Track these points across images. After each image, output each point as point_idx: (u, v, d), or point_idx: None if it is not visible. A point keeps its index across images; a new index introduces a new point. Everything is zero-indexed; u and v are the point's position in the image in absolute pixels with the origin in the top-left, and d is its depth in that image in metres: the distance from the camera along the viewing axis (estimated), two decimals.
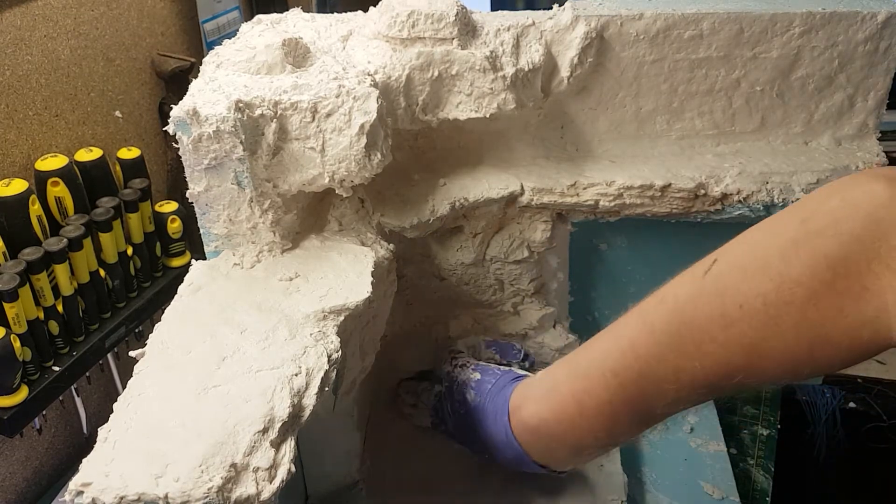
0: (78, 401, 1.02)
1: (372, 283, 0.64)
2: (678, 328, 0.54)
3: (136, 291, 1.02)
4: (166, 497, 0.47)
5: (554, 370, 0.65)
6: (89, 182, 0.94)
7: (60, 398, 0.94)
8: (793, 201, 0.75)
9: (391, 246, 0.71)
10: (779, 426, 1.00)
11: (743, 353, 0.51)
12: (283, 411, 0.52)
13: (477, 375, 0.74)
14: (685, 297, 0.54)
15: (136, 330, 1.02)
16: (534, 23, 0.74)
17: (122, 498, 0.47)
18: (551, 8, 0.76)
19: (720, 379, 0.53)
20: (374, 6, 0.74)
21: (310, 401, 0.54)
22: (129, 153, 1.00)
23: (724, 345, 0.51)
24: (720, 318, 0.51)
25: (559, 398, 0.62)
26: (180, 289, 0.64)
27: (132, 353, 0.59)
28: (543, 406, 0.64)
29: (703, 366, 0.53)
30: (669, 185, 0.75)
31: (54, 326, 0.89)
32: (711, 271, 0.53)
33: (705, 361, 0.52)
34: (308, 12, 0.80)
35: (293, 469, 0.51)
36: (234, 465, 0.49)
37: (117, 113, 1.06)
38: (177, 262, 1.06)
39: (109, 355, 1.01)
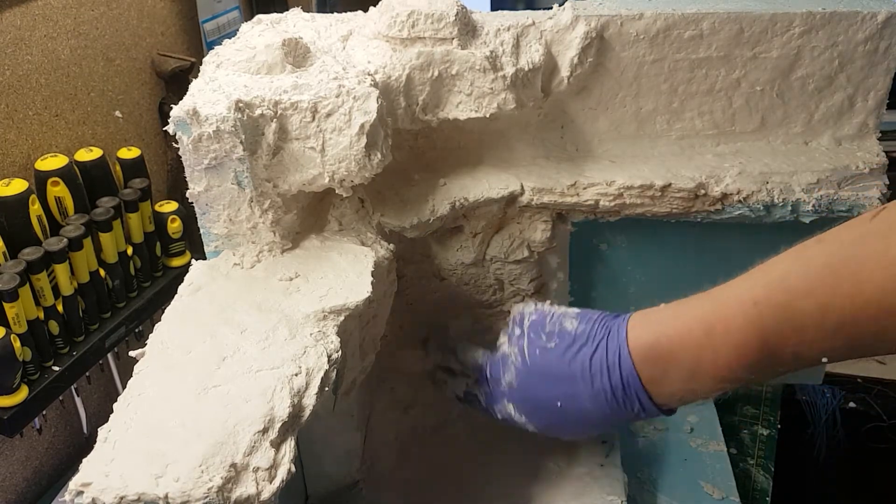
0: (78, 401, 1.02)
1: (372, 283, 0.64)
2: (837, 264, 0.52)
3: (136, 291, 1.02)
4: (166, 497, 0.47)
5: (685, 300, 0.61)
6: (89, 182, 0.94)
7: (60, 398, 0.94)
8: (793, 201, 0.76)
9: (391, 246, 0.71)
10: (779, 426, 1.00)
11: None
12: (283, 411, 0.52)
13: (577, 309, 0.67)
14: (849, 238, 0.52)
15: (136, 330, 1.02)
16: (534, 23, 0.74)
17: (122, 498, 0.47)
18: (551, 8, 0.76)
19: (867, 324, 0.51)
20: (374, 6, 0.74)
21: (310, 401, 0.54)
22: (129, 153, 1.00)
23: (881, 286, 0.49)
24: (883, 256, 0.49)
25: (687, 319, 0.59)
26: (180, 289, 0.64)
27: (132, 353, 0.59)
28: (668, 325, 0.60)
29: (853, 305, 0.51)
30: (669, 184, 0.75)
31: (54, 326, 0.89)
32: (880, 216, 0.52)
33: (857, 300, 0.50)
34: (308, 12, 0.80)
35: (293, 469, 0.51)
36: (234, 465, 0.49)
37: (117, 113, 1.06)
38: (177, 262, 1.07)
39: (109, 355, 1.01)
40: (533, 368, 0.65)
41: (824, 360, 0.54)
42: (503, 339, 0.69)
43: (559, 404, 0.64)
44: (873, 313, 0.50)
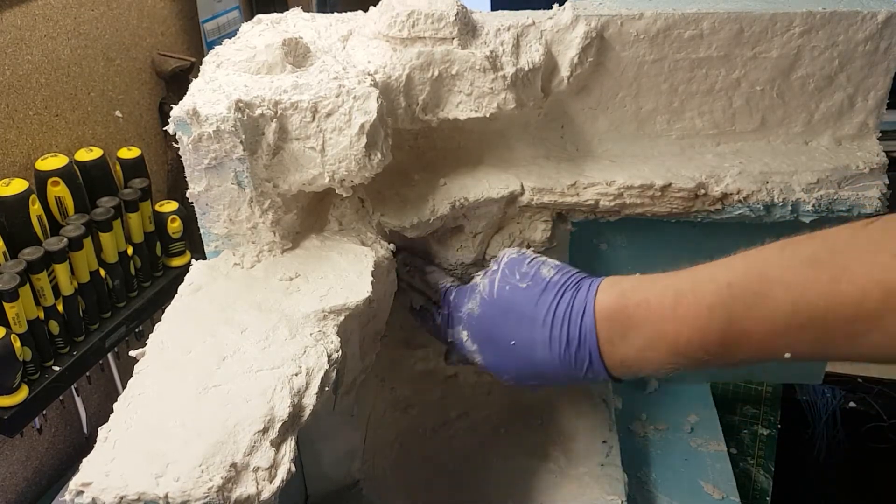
0: (78, 400, 1.02)
1: (372, 282, 0.64)
2: (820, 260, 0.51)
3: (137, 291, 1.02)
4: (166, 497, 0.47)
5: (662, 273, 0.60)
6: (89, 182, 0.94)
7: (61, 398, 0.94)
8: (793, 201, 0.76)
9: (391, 246, 0.71)
10: (779, 426, 1.00)
11: (880, 296, 0.48)
12: (283, 411, 0.52)
13: (557, 261, 0.67)
14: (839, 238, 0.52)
15: (137, 330, 1.02)
16: (534, 22, 0.74)
17: (122, 497, 0.47)
18: (551, 7, 0.76)
19: (839, 326, 0.50)
20: (375, 6, 0.74)
21: (310, 400, 0.54)
22: (129, 153, 1.00)
23: (862, 287, 0.48)
24: (870, 260, 0.48)
25: (658, 289, 0.58)
26: (180, 288, 0.64)
27: (132, 353, 0.59)
28: (638, 291, 0.59)
29: (827, 304, 0.50)
30: (669, 184, 0.75)
31: (54, 326, 0.90)
32: (875, 223, 0.51)
33: (833, 299, 0.49)
34: (308, 12, 0.80)
35: (293, 469, 0.51)
36: (234, 465, 0.49)
37: (117, 113, 1.06)
38: (177, 262, 1.07)
39: (109, 355, 1.01)
40: (498, 301, 0.66)
41: (787, 355, 0.53)
42: (478, 274, 0.70)
43: (512, 342, 0.64)
44: (849, 315, 0.49)
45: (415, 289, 0.76)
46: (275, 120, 0.63)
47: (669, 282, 0.58)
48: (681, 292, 0.57)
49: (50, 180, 0.89)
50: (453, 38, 0.70)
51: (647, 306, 0.58)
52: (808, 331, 0.51)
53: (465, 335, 0.69)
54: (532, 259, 0.67)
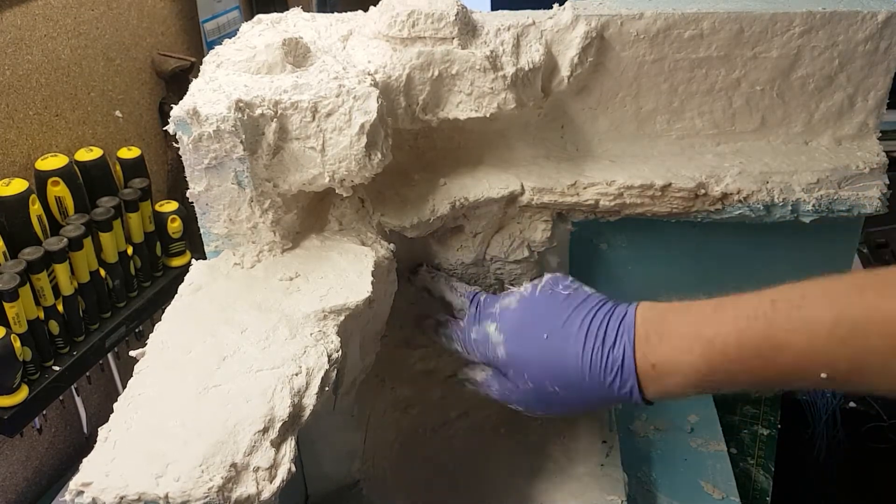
0: (78, 400, 1.02)
1: (372, 282, 0.64)
2: (865, 282, 0.52)
3: (137, 291, 1.02)
4: (167, 497, 0.47)
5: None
6: (89, 182, 0.94)
7: (61, 398, 0.94)
8: (793, 201, 0.75)
9: (391, 245, 0.71)
10: (779, 426, 1.00)
11: None
12: (283, 411, 0.52)
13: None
14: (883, 269, 0.52)
15: (137, 330, 1.02)
16: (534, 22, 0.74)
17: (122, 497, 0.47)
18: (551, 7, 0.76)
19: (881, 339, 0.50)
20: (375, 6, 0.74)
21: (310, 400, 0.54)
22: (129, 153, 1.00)
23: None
24: None
25: (700, 301, 0.58)
26: (180, 288, 0.64)
27: (132, 353, 0.59)
28: (679, 304, 0.59)
29: (870, 317, 0.50)
30: (670, 184, 0.75)
31: (54, 326, 0.90)
32: None
33: (876, 314, 0.50)
34: (308, 12, 0.80)
35: (293, 469, 0.51)
36: (234, 465, 0.49)
37: (117, 113, 1.06)
38: (177, 262, 1.07)
39: (110, 355, 1.01)
40: (540, 299, 0.66)
41: (823, 375, 0.53)
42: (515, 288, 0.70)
43: (546, 336, 0.63)
44: (891, 331, 0.49)
45: (435, 297, 0.75)
46: (275, 120, 0.63)
47: (712, 299, 0.58)
48: (722, 302, 0.57)
49: (50, 180, 0.89)
50: (453, 38, 0.70)
51: (687, 310, 0.58)
52: (849, 345, 0.51)
53: (492, 328, 0.67)
54: (574, 280, 0.68)
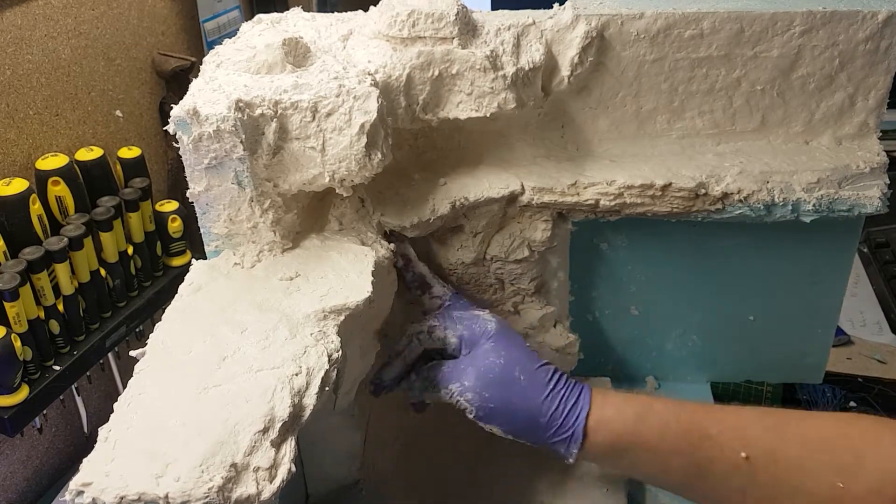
0: (78, 400, 1.02)
1: (372, 282, 0.64)
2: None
3: (137, 291, 1.02)
4: (167, 497, 0.47)
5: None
6: (90, 181, 0.94)
7: (61, 397, 0.94)
8: (794, 200, 0.75)
9: (391, 245, 0.71)
10: None
11: None
12: (283, 411, 0.52)
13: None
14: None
15: (137, 329, 1.02)
16: (534, 22, 0.74)
17: (122, 497, 0.47)
18: (552, 7, 0.76)
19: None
20: (375, 5, 0.74)
21: (310, 400, 0.54)
22: (129, 152, 1.00)
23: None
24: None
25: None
26: (181, 288, 0.64)
27: (133, 353, 0.59)
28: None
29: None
30: (670, 184, 0.75)
31: (55, 326, 0.89)
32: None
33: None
34: (308, 12, 0.80)
35: (293, 469, 0.51)
36: (234, 465, 0.49)
37: (118, 112, 1.06)
38: (177, 262, 1.07)
39: (110, 355, 1.01)
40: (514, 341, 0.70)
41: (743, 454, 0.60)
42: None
43: (517, 373, 0.67)
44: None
45: (414, 272, 0.77)
46: (275, 119, 0.63)
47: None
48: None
49: (50, 180, 0.89)
50: (453, 38, 0.70)
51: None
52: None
53: (483, 312, 0.72)
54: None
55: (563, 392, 0.65)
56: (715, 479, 0.61)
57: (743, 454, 0.59)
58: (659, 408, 0.64)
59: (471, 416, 0.67)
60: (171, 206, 1.04)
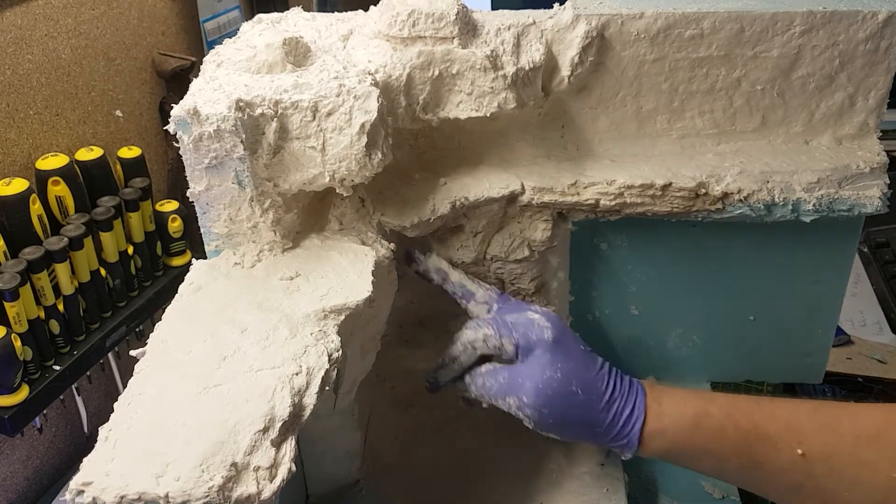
0: (79, 400, 1.02)
1: (373, 282, 0.64)
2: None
3: (137, 290, 1.02)
4: (167, 496, 0.47)
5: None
6: (90, 181, 0.94)
7: (61, 397, 0.94)
8: (794, 200, 0.75)
9: (392, 245, 0.71)
10: None
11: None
12: (283, 410, 0.52)
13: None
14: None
15: (137, 329, 1.02)
16: (534, 22, 0.74)
17: (122, 497, 0.47)
18: (552, 7, 0.76)
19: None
20: (375, 5, 0.74)
21: (310, 400, 0.54)
22: (129, 152, 1.00)
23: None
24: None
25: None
26: (181, 288, 0.64)
27: (133, 353, 0.59)
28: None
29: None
30: (670, 184, 0.75)
31: (55, 325, 0.90)
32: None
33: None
34: (308, 11, 0.80)
35: (294, 468, 0.51)
36: (234, 465, 0.49)
37: (118, 112, 1.06)
38: (177, 262, 1.07)
39: (110, 354, 1.01)
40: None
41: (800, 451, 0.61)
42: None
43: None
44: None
45: (446, 282, 0.76)
46: (275, 119, 0.63)
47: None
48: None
49: (50, 180, 0.89)
50: (454, 38, 0.70)
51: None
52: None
53: (536, 315, 0.70)
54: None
55: (618, 402, 0.66)
56: (772, 474, 0.62)
57: (799, 451, 0.60)
58: (714, 411, 0.64)
59: (529, 427, 0.68)
60: (171, 205, 1.04)
